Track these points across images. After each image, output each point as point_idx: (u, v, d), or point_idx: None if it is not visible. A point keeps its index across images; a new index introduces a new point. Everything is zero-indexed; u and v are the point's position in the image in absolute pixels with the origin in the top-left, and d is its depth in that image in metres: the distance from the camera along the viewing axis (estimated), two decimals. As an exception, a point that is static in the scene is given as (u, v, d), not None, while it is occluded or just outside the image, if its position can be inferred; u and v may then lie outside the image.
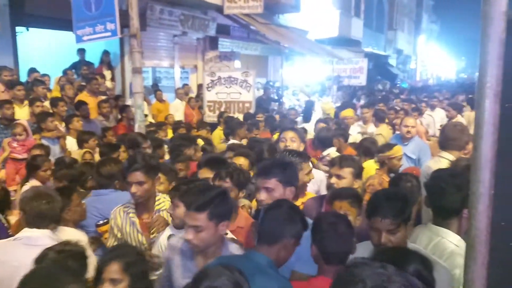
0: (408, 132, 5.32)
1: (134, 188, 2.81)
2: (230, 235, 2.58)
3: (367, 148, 4.80)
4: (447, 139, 3.66)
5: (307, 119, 8.84)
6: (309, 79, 17.46)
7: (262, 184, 2.49)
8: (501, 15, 1.23)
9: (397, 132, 6.01)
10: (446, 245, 2.33)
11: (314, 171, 3.52)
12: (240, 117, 8.40)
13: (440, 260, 2.19)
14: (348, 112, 7.65)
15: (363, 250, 2.09)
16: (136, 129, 5.90)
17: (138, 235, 2.93)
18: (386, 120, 7.29)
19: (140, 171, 2.81)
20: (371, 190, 3.87)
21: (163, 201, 3.02)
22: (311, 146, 5.35)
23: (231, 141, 5.90)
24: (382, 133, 6.55)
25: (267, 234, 2.07)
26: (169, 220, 2.82)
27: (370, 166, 4.48)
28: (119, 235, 2.97)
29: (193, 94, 11.61)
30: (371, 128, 7.15)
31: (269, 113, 9.48)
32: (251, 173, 3.47)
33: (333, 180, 3.06)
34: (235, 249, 2.30)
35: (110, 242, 3.02)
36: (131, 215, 2.96)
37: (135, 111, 6.00)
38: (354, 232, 2.12)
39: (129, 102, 8.72)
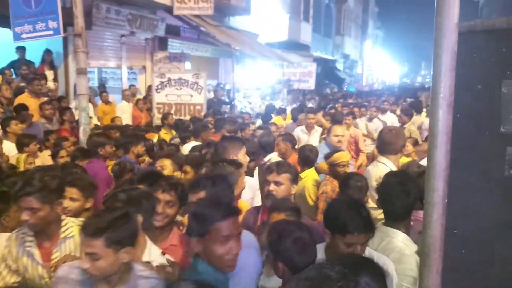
0: (339, 141, 5.19)
1: (25, 215, 2.30)
2: (164, 257, 2.40)
3: (306, 156, 4.60)
4: (384, 143, 3.78)
5: (266, 122, 8.83)
6: (260, 82, 17.56)
7: (192, 199, 2.49)
8: (453, 27, 1.26)
9: (326, 141, 5.75)
10: (395, 244, 2.46)
11: (248, 178, 3.61)
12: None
13: (389, 257, 2.33)
14: (278, 120, 7.50)
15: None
16: (81, 133, 5.63)
17: (37, 268, 2.43)
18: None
19: (33, 196, 2.29)
20: (325, 198, 3.90)
21: (71, 226, 2.50)
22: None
23: (193, 143, 5.77)
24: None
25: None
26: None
27: (310, 174, 4.45)
28: (14, 266, 2.45)
29: (141, 96, 11.30)
30: (316, 135, 7.19)
31: (219, 116, 9.38)
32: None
33: (272, 187, 2.98)
34: (145, 274, 2.08)
35: (2, 276, 2.45)
36: (27, 244, 2.44)
37: (80, 113, 5.73)
38: (315, 238, 2.11)
39: (73, 104, 8.32)
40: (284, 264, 1.99)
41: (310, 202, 4.30)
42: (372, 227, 2.19)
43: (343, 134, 5.32)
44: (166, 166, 3.95)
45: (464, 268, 1.37)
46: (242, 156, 3.54)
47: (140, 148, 5.11)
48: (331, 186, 3.98)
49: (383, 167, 3.70)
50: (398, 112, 10.10)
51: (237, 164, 3.10)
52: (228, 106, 12.70)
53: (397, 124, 8.92)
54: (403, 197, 2.57)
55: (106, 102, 9.77)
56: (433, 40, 1.30)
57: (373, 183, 3.63)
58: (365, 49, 42.21)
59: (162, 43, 12.91)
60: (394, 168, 3.67)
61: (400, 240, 2.46)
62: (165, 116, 8.30)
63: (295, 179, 3.09)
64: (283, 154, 5.15)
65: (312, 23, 24.83)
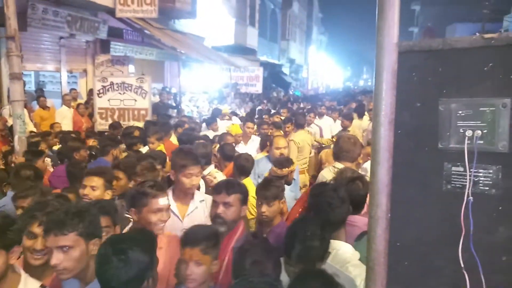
0: (281, 154, 4.82)
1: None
2: None
3: (242, 166, 4.34)
4: (341, 150, 3.86)
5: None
6: (207, 85, 17.45)
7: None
8: (393, 47, 1.29)
9: (267, 154, 5.42)
10: (343, 256, 2.44)
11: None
12: (138, 124, 8.01)
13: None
14: (237, 129, 7.21)
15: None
16: (16, 141, 5.29)
17: None
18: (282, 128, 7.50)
19: None
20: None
21: None
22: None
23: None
24: (295, 139, 6.63)
25: None
26: None
27: (247, 185, 4.17)
28: None
29: (82, 100, 10.84)
30: (252, 145, 6.72)
31: (167, 120, 9.18)
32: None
33: (220, 209, 2.72)
34: None
35: None
36: None
37: (14, 121, 5.38)
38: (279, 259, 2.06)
39: (5, 110, 7.81)
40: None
41: (248, 215, 3.97)
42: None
43: (285, 146, 4.97)
44: (97, 187, 3.33)
45: (407, 280, 1.41)
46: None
47: (118, 151, 5.37)
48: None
49: None
50: (336, 115, 10.33)
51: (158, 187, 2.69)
52: (175, 110, 12.50)
53: (335, 127, 9.14)
54: (340, 203, 2.59)
55: (44, 107, 9.30)
56: (375, 59, 1.33)
57: None
58: (310, 54, 43.24)
59: (104, 46, 12.49)
60: None
61: (346, 251, 2.46)
62: (115, 125, 7.99)
63: (245, 199, 2.89)
64: (216, 167, 4.95)
65: (258, 28, 25.06)
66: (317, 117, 9.63)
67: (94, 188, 3.15)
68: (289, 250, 2.11)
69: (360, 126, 8.89)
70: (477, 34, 1.22)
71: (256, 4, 24.92)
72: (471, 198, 1.24)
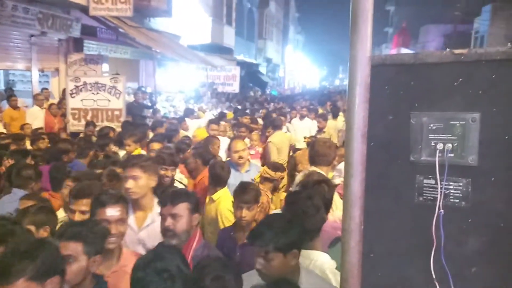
0: (240, 157, 4.67)
1: None
2: None
3: (217, 175, 4.06)
4: (317, 154, 3.87)
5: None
6: (184, 85, 17.29)
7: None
8: (366, 61, 1.30)
9: (228, 159, 5.15)
10: (323, 267, 2.43)
11: None
12: (113, 126, 7.87)
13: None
14: (203, 133, 6.99)
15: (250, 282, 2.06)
16: (-17, 144, 5.10)
17: None
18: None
19: None
20: (260, 209, 3.89)
21: None
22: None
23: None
24: (273, 140, 6.60)
25: None
26: None
27: (224, 196, 3.95)
28: None
29: (54, 100, 10.57)
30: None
31: (142, 121, 9.05)
32: None
33: (168, 222, 2.51)
34: None
35: None
36: None
37: (-19, 123, 5.19)
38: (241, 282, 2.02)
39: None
40: None
41: (222, 226, 3.79)
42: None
43: (244, 148, 4.78)
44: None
45: (380, 290, 1.42)
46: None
47: (95, 153, 5.42)
48: (267, 198, 3.97)
49: None
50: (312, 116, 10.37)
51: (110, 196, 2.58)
52: (150, 110, 12.32)
53: (314, 130, 9.14)
54: (315, 211, 2.55)
55: (15, 107, 9.02)
56: (348, 72, 1.33)
57: None
58: (286, 53, 43.43)
59: (77, 44, 12.21)
60: None
61: (325, 261, 2.44)
62: (89, 125, 7.83)
63: (195, 207, 2.66)
64: (192, 172, 4.92)
65: (235, 27, 25.00)
66: (297, 118, 9.67)
67: (84, 213, 2.81)
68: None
69: (335, 126, 8.98)
70: (447, 50, 1.24)
71: (233, 3, 24.86)
72: (442, 211, 1.26)
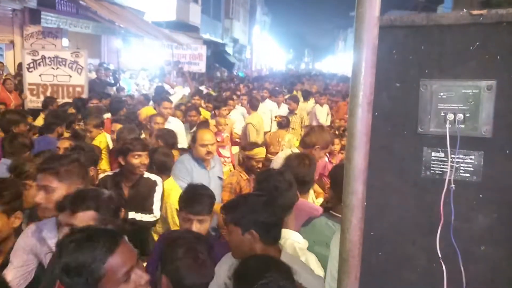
0: (209, 153, 3.89)
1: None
2: None
3: (161, 162, 3.72)
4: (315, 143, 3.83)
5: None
6: (148, 62, 16.74)
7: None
8: (375, 21, 1.17)
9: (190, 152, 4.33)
10: (293, 246, 2.36)
11: None
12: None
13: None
14: (150, 110, 6.61)
15: (226, 265, 1.93)
16: None
17: None
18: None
19: None
20: (229, 189, 3.77)
21: None
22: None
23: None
24: (252, 121, 6.49)
25: None
26: None
27: (170, 186, 3.65)
28: None
29: (9, 75, 9.93)
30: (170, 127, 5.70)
31: (106, 98, 8.63)
32: None
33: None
34: None
35: None
36: None
37: None
38: (215, 256, 1.90)
39: None
40: (168, 279, 1.75)
41: (173, 226, 3.47)
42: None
43: (214, 142, 3.99)
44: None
45: (381, 271, 1.33)
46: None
47: (63, 129, 5.22)
48: (237, 178, 3.85)
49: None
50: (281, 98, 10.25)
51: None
52: (114, 88, 11.84)
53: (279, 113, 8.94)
54: (288, 186, 2.54)
55: (-36, 81, 8.39)
56: (354, 34, 1.20)
57: None
58: (253, 35, 42.94)
59: (34, 16, 11.48)
60: None
61: (294, 239, 2.37)
62: (48, 102, 7.35)
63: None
64: None
65: (201, 5, 24.35)
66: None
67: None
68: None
69: (305, 108, 8.94)
70: (464, 10, 1.14)
71: (199, -20, 24.17)
72: (453, 186, 1.17)
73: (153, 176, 3.53)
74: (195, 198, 2.59)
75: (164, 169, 3.71)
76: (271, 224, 2.05)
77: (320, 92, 11.45)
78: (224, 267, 1.88)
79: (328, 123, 8.72)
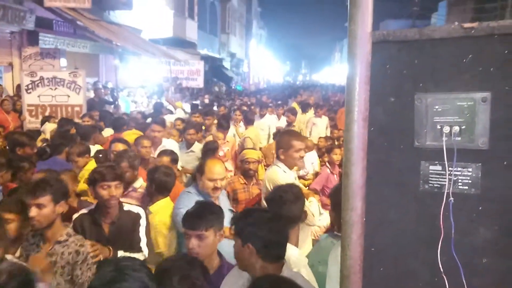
0: (216, 188, 3.36)
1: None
2: None
3: (163, 182, 3.54)
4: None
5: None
6: (146, 80, 16.82)
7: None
8: (367, 36, 1.18)
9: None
10: (297, 262, 2.35)
11: None
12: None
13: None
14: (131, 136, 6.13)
15: (233, 277, 1.92)
16: None
17: None
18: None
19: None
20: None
21: None
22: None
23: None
24: (250, 135, 6.51)
25: None
26: None
27: (164, 206, 3.50)
28: None
29: (7, 97, 9.95)
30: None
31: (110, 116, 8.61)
32: None
33: (33, 212, 2.54)
34: None
35: None
36: None
37: None
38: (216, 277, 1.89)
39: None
40: None
41: (157, 249, 3.32)
42: None
43: (224, 176, 3.47)
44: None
45: (383, 286, 1.32)
46: None
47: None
48: (228, 182, 3.84)
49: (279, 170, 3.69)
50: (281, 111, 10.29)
51: None
52: (112, 106, 11.87)
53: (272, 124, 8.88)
54: (293, 198, 2.57)
55: (-36, 104, 8.41)
56: (347, 50, 1.21)
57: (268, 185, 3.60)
58: (250, 48, 43.25)
59: (32, 38, 11.56)
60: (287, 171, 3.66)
61: (291, 253, 2.33)
62: (47, 118, 7.36)
63: (61, 195, 2.67)
64: None
65: (198, 21, 24.57)
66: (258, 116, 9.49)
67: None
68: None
69: (304, 120, 8.96)
70: (456, 23, 1.14)
71: (195, -4, 24.43)
72: (452, 199, 1.17)
73: (134, 208, 3.23)
74: (193, 213, 2.55)
75: (164, 189, 3.53)
76: (271, 241, 2.03)
77: (318, 104, 11.50)
78: (232, 280, 1.87)
79: (328, 134, 8.74)
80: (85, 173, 4.22)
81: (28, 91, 8.65)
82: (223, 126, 6.60)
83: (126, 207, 3.20)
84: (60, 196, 2.67)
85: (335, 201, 2.52)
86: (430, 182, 1.24)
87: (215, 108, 11.83)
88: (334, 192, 2.63)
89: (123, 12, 15.42)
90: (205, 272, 1.85)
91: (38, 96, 8.66)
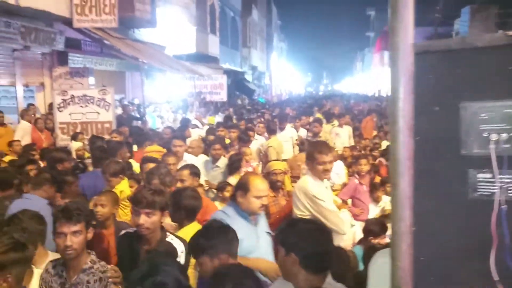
0: (262, 206, 3.18)
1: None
2: None
3: (192, 206, 3.38)
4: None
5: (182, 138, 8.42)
6: (171, 95, 17.13)
7: None
8: (409, 48, 1.20)
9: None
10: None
11: None
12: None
13: None
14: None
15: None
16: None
17: None
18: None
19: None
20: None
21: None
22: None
23: None
24: (273, 145, 6.56)
25: None
26: None
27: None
28: None
29: (39, 115, 10.31)
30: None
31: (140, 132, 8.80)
32: None
33: (69, 240, 2.50)
34: None
35: None
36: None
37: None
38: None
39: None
40: None
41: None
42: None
43: (268, 193, 3.31)
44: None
45: (433, 297, 1.31)
46: None
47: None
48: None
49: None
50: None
51: None
52: (139, 122, 12.12)
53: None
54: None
55: (1, 123, 8.74)
56: (390, 62, 1.23)
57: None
58: (271, 61, 43.54)
59: (61, 58, 11.98)
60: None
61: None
62: (74, 136, 7.61)
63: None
64: None
65: (219, 36, 24.95)
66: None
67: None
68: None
69: (328, 130, 8.94)
70: (499, 31, 1.15)
71: (216, 11, 24.82)
72: (505, 206, 1.16)
73: (176, 242, 2.89)
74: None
75: (193, 214, 3.33)
76: (314, 252, 2.04)
77: (341, 113, 11.47)
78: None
79: (351, 144, 8.68)
80: (116, 192, 4.16)
81: (60, 110, 8.94)
82: (244, 140, 6.63)
83: (170, 237, 2.90)
84: (90, 222, 2.66)
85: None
86: (478, 190, 1.23)
87: (234, 121, 11.89)
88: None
89: (148, 30, 15.82)
90: (259, 285, 1.87)
91: (70, 114, 8.94)
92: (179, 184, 4.15)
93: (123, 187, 4.51)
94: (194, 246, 2.45)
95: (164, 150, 5.91)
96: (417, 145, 1.25)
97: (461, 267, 1.28)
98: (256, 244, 2.92)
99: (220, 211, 3.30)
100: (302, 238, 2.02)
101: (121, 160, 5.48)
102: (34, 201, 3.53)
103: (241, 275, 1.86)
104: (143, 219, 2.73)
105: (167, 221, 3.33)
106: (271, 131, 6.96)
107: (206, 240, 2.38)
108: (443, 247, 1.30)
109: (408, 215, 1.23)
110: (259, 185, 3.10)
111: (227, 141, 7.29)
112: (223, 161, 5.95)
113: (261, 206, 3.12)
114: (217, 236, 2.40)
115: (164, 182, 3.79)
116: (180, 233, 3.17)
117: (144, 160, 5.04)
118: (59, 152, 5.32)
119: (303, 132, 9.05)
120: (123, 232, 3.03)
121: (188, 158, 5.64)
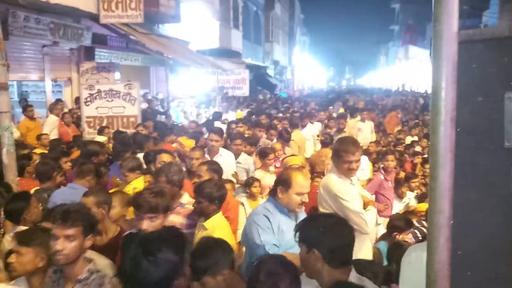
0: (303, 203, 3.15)
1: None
2: None
3: (218, 197, 3.36)
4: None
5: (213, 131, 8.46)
6: (195, 90, 17.25)
7: None
8: (453, 36, 1.17)
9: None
10: None
11: None
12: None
13: None
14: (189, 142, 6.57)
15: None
16: (4, 155, 5.03)
17: None
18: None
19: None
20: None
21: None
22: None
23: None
24: (294, 138, 6.58)
25: None
26: None
27: (220, 222, 3.32)
28: None
29: (66, 109, 10.53)
30: (221, 160, 5.35)
31: (164, 126, 8.92)
32: None
33: (60, 245, 2.28)
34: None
35: None
36: None
37: (2, 133, 5.12)
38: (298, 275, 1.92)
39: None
40: None
41: None
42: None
43: (309, 189, 3.22)
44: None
45: (472, 291, 1.28)
46: None
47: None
48: None
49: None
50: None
51: None
52: (163, 116, 12.27)
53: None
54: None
55: (31, 117, 8.97)
56: (433, 50, 1.20)
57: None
58: (293, 55, 43.30)
59: (88, 53, 12.20)
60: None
61: None
62: (100, 131, 7.77)
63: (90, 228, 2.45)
64: None
65: (242, 31, 24.95)
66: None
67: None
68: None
69: (354, 125, 8.86)
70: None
71: (239, 6, 24.83)
72: (551, 200, 1.13)
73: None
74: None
75: (219, 204, 3.34)
76: (337, 246, 2.03)
77: (363, 108, 11.34)
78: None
79: (373, 140, 8.55)
80: (129, 188, 4.20)
81: (87, 104, 9.12)
82: (284, 138, 6.43)
83: None
84: (90, 229, 2.44)
85: None
86: (522, 183, 1.20)
87: (253, 117, 11.79)
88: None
89: (172, 25, 15.94)
90: (296, 280, 1.86)
91: (96, 108, 9.12)
92: (196, 179, 4.09)
93: (137, 184, 4.38)
94: (193, 270, 2.19)
95: (193, 144, 6.01)
96: (458, 136, 1.22)
97: (499, 261, 1.25)
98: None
99: (261, 206, 3.26)
100: (324, 233, 2.01)
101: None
102: (79, 191, 3.58)
103: (280, 267, 1.87)
104: (146, 224, 2.65)
105: (172, 219, 3.32)
106: (294, 125, 6.97)
107: (203, 261, 2.23)
108: (482, 241, 1.27)
109: (448, 208, 1.20)
110: (301, 182, 3.04)
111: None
112: (243, 158, 5.86)
113: (301, 203, 3.05)
114: (213, 253, 2.28)
115: (171, 181, 3.55)
116: (208, 222, 3.21)
117: (159, 151, 4.90)
118: (94, 145, 5.55)
119: (318, 126, 9.05)
120: (127, 232, 2.99)
121: (224, 153, 5.57)
